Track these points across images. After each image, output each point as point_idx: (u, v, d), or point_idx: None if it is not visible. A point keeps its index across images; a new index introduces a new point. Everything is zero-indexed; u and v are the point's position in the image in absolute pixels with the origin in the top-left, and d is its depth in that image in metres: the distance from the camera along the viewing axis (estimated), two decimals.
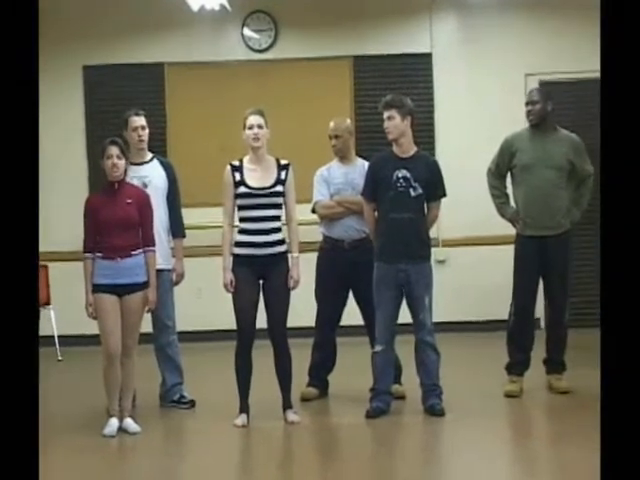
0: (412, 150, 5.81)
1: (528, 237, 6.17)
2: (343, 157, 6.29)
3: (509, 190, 6.36)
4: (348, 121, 6.52)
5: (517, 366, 6.25)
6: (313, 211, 6.31)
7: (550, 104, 6.18)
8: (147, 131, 6.12)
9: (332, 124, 6.31)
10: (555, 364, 6.29)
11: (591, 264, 8.75)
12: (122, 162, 5.51)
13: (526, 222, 6.16)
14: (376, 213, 5.86)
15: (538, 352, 6.30)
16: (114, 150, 5.48)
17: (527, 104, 6.24)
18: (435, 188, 5.81)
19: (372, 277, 5.79)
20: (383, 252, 5.74)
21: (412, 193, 5.71)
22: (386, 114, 5.73)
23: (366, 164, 6.21)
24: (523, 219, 6.17)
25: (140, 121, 6.08)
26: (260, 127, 5.61)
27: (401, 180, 5.70)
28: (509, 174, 6.30)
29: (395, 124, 5.71)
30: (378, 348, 5.76)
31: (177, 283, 6.22)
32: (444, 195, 5.88)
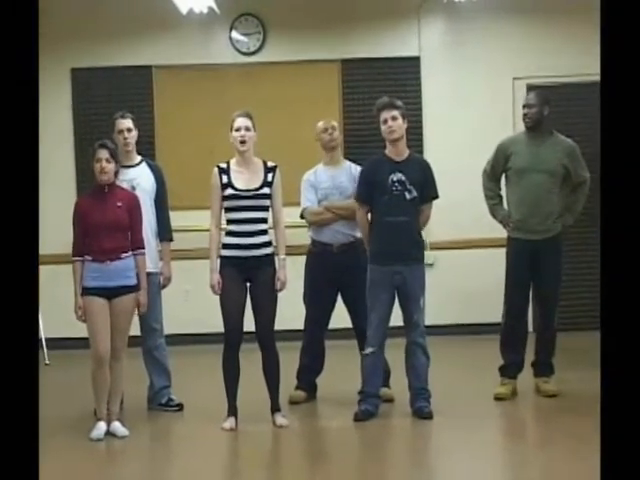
0: (406, 153, 5.83)
1: (519, 240, 6.19)
2: (332, 157, 6.28)
3: (503, 192, 6.39)
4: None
5: (510, 368, 6.26)
6: (302, 217, 6.31)
7: (547, 108, 6.19)
8: (134, 133, 6.10)
9: (322, 122, 6.30)
10: (543, 367, 6.30)
11: (579, 267, 8.79)
12: (111, 166, 5.50)
13: (517, 225, 6.18)
14: (369, 216, 5.87)
15: (527, 355, 6.31)
16: (103, 154, 5.47)
17: (524, 107, 6.26)
18: (428, 190, 5.82)
19: (361, 281, 5.80)
20: (378, 255, 5.74)
21: (407, 196, 5.72)
22: (390, 114, 5.72)
23: (353, 166, 6.22)
24: (514, 222, 6.19)
25: (126, 123, 6.07)
26: (247, 129, 5.61)
27: (396, 184, 5.71)
28: (504, 176, 6.33)
29: (399, 124, 5.74)
30: (369, 350, 5.76)
31: (164, 286, 6.21)
32: (436, 197, 5.89)
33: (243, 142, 5.60)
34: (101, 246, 5.44)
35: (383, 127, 5.75)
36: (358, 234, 6.06)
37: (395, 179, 5.71)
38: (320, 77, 8.88)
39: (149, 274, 5.88)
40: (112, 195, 5.54)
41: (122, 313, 5.50)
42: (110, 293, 5.45)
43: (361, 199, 5.86)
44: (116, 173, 5.57)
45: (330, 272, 6.13)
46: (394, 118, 5.73)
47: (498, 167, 6.28)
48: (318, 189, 6.23)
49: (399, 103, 5.81)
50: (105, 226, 5.45)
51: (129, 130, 6.07)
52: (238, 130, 5.61)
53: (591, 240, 8.38)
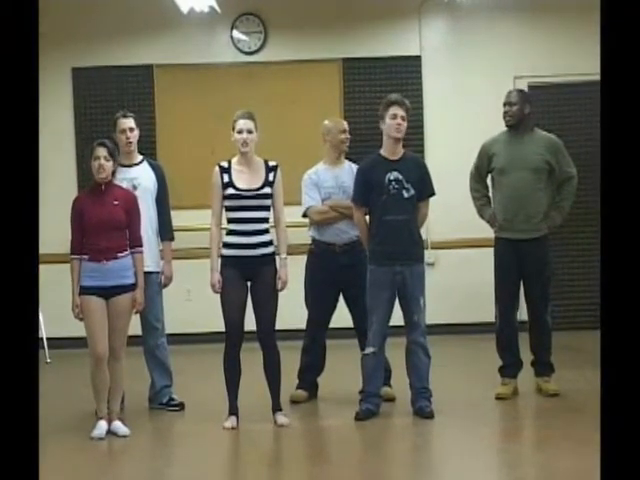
0: (401, 152, 5.82)
1: (505, 240, 6.19)
2: (337, 157, 6.27)
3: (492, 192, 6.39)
4: None
5: (509, 368, 6.26)
6: (304, 216, 6.30)
7: (528, 107, 6.19)
8: (136, 133, 6.10)
9: (330, 121, 6.32)
10: (543, 366, 6.29)
11: (579, 266, 8.80)
12: (109, 164, 5.49)
13: (502, 225, 6.17)
14: (367, 217, 5.87)
15: (528, 354, 6.31)
16: (102, 152, 5.46)
17: (505, 105, 6.24)
18: (425, 188, 5.82)
19: (363, 280, 5.79)
20: (378, 255, 5.73)
21: (405, 194, 5.72)
22: (401, 112, 5.71)
23: (353, 166, 6.21)
24: (499, 222, 6.18)
25: (128, 123, 6.06)
26: (249, 132, 5.60)
27: (393, 182, 5.71)
28: (490, 177, 6.33)
29: (405, 124, 5.74)
30: (369, 350, 5.75)
31: (165, 286, 6.21)
32: (433, 194, 5.89)
33: (245, 144, 5.59)
34: (98, 245, 5.43)
35: (391, 122, 5.71)
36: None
37: (392, 178, 5.71)
38: (321, 76, 8.89)
39: (150, 273, 5.89)
40: (109, 193, 5.53)
41: (120, 313, 5.49)
42: (107, 293, 5.44)
43: (358, 201, 5.85)
44: (113, 172, 5.56)
45: (332, 272, 6.12)
46: (402, 117, 5.73)
47: (482, 168, 6.30)
48: (321, 188, 6.22)
49: (408, 104, 5.81)
50: (101, 224, 5.43)
51: (131, 129, 6.07)
52: (240, 132, 5.60)
53: (592, 239, 8.38)
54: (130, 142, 6.06)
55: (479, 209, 6.35)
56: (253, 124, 5.63)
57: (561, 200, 6.20)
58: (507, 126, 6.23)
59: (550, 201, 6.17)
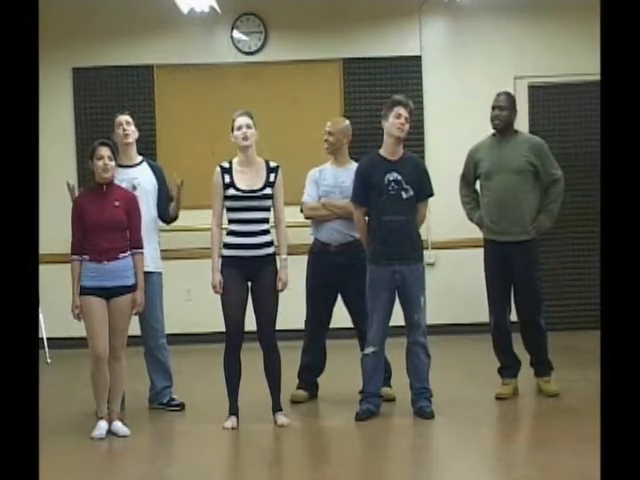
0: (401, 152, 5.82)
1: (493, 242, 6.19)
2: (335, 158, 6.28)
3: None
4: (346, 123, 6.38)
5: (507, 369, 6.26)
6: (301, 211, 6.32)
7: (515, 112, 6.21)
8: (133, 128, 6.10)
9: (329, 122, 6.30)
10: (541, 366, 6.28)
11: (580, 266, 8.80)
12: (113, 164, 5.49)
13: (489, 227, 6.17)
14: (366, 217, 5.87)
15: (527, 354, 6.31)
16: (105, 151, 5.46)
17: (493, 108, 6.21)
18: (423, 188, 5.82)
19: (360, 281, 5.79)
20: (377, 255, 5.73)
21: (404, 195, 5.72)
22: (404, 112, 5.71)
23: None
24: (487, 224, 6.18)
25: (124, 117, 6.07)
26: (249, 127, 5.61)
27: (392, 183, 5.70)
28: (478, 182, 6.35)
29: (407, 125, 5.73)
30: (369, 350, 5.75)
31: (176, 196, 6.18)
32: (432, 194, 5.89)
33: (245, 138, 5.59)
34: (98, 246, 5.43)
35: (395, 120, 5.70)
36: (356, 234, 6.04)
37: (391, 179, 5.71)
38: (321, 76, 8.89)
39: (150, 273, 5.88)
40: (110, 194, 5.53)
41: (120, 313, 5.48)
42: (107, 293, 5.44)
43: (358, 201, 5.84)
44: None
45: (329, 272, 6.12)
46: (406, 119, 5.73)
47: (469, 173, 6.31)
48: (320, 186, 6.23)
49: (412, 106, 5.81)
50: (102, 225, 5.43)
51: (128, 123, 6.07)
52: (239, 129, 5.60)
53: (591, 239, 8.39)
54: (127, 134, 6.05)
55: (468, 212, 6.37)
56: (251, 121, 5.64)
57: (549, 203, 6.17)
58: (494, 129, 6.22)
59: (537, 203, 6.15)
